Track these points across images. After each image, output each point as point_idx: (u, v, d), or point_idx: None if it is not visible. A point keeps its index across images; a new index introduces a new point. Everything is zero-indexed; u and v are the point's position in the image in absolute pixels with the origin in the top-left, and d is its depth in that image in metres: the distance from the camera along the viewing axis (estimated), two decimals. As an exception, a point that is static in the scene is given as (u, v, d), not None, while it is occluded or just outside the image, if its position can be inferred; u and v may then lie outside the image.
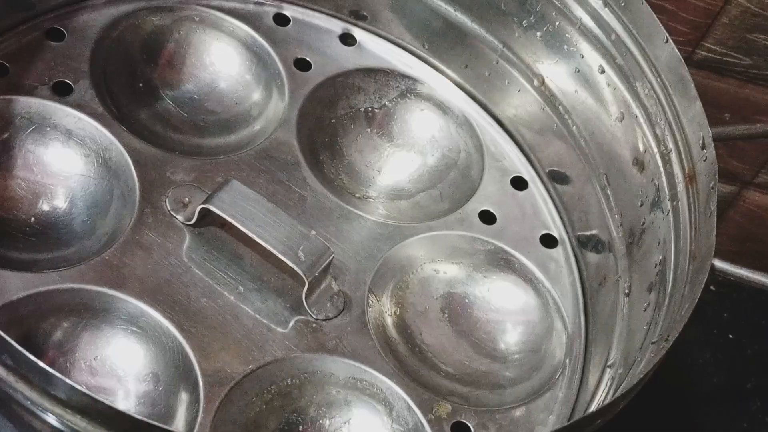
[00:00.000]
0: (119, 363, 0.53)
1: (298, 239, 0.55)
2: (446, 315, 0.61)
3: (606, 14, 0.63)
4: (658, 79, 0.61)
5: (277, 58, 0.67)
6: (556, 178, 0.68)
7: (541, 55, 0.67)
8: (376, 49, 0.72)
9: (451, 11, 0.70)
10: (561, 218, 0.67)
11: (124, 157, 0.59)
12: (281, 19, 0.70)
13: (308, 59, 0.69)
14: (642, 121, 0.62)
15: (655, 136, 0.61)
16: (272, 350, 0.54)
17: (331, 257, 0.56)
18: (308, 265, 0.55)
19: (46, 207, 0.57)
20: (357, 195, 0.64)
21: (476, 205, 0.65)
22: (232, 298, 0.56)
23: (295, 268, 0.54)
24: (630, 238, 0.63)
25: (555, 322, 0.62)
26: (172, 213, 0.58)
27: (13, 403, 0.43)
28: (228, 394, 0.52)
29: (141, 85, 0.64)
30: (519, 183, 0.69)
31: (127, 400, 0.52)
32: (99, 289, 0.53)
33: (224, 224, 0.57)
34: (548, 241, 0.66)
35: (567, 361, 0.61)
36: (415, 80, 0.71)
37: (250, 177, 0.61)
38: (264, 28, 0.69)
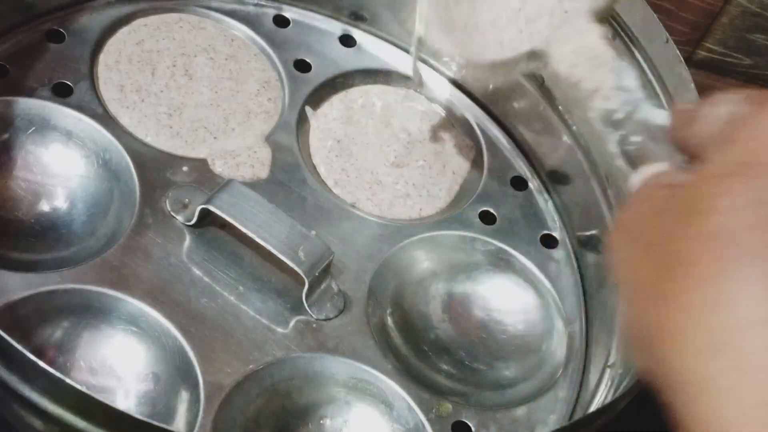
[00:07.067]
0: (119, 363, 0.53)
1: (298, 239, 0.55)
2: (446, 315, 0.61)
3: (606, 14, 0.63)
4: (659, 79, 0.61)
5: (277, 60, 0.68)
6: (556, 178, 0.69)
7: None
8: (375, 50, 0.72)
9: (450, 12, 0.70)
10: (561, 218, 0.67)
11: (125, 158, 0.59)
12: (281, 21, 0.70)
13: (308, 60, 0.69)
14: (642, 120, 0.62)
15: (655, 136, 0.61)
16: (272, 350, 0.54)
17: (331, 257, 0.56)
18: (308, 265, 0.55)
19: (46, 208, 0.58)
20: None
21: (476, 205, 0.65)
22: (232, 298, 0.56)
23: (296, 268, 0.54)
24: (630, 238, 0.63)
25: (555, 322, 0.62)
26: (172, 213, 0.58)
27: (13, 403, 0.43)
28: (228, 394, 0.52)
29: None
30: (519, 183, 0.69)
31: (127, 400, 0.52)
32: (99, 289, 0.53)
33: (224, 225, 0.57)
34: (548, 241, 0.66)
35: (567, 360, 0.61)
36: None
37: (250, 177, 0.61)
38: (264, 29, 0.69)
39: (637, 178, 0.39)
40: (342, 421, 0.55)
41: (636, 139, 0.41)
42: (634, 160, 0.41)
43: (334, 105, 0.68)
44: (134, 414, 0.41)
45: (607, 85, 0.45)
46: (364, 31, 0.72)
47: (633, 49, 0.62)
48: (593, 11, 0.49)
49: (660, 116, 0.42)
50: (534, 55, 0.51)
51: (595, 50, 0.47)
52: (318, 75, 0.68)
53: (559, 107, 0.68)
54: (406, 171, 0.66)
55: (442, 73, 0.72)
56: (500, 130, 0.71)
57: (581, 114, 0.66)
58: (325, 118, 0.67)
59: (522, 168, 0.69)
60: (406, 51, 0.72)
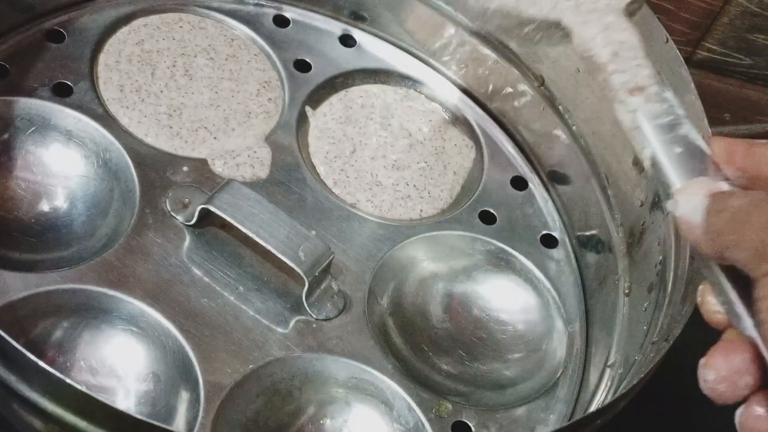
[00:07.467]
0: (119, 363, 0.53)
1: (298, 239, 0.55)
2: (446, 315, 0.61)
3: (605, 14, 0.63)
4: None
5: (277, 60, 0.68)
6: (556, 178, 0.69)
7: (541, 55, 0.67)
8: (375, 50, 0.72)
9: (451, 11, 0.70)
10: (561, 218, 0.67)
11: (124, 158, 0.59)
12: (281, 21, 0.71)
13: (308, 60, 0.69)
14: (642, 120, 0.62)
15: (655, 136, 0.61)
16: (272, 350, 0.54)
17: (331, 257, 0.56)
18: (308, 265, 0.55)
19: (46, 208, 0.58)
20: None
21: (476, 205, 0.65)
22: (232, 298, 0.56)
23: (296, 269, 0.54)
24: (630, 238, 0.63)
25: (555, 322, 0.62)
26: (172, 213, 0.58)
27: (13, 403, 0.43)
28: (228, 394, 0.52)
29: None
30: (519, 183, 0.69)
31: (127, 400, 0.52)
32: (99, 289, 0.53)
33: (224, 224, 0.57)
34: (548, 241, 0.66)
35: (567, 360, 0.61)
36: (414, 81, 0.71)
37: (250, 177, 0.61)
38: (264, 29, 0.69)
39: (695, 188, 0.40)
40: (342, 421, 0.55)
41: (678, 150, 0.42)
42: (662, 167, 0.42)
43: (334, 105, 0.68)
44: (134, 414, 0.41)
45: (652, 88, 0.45)
46: (364, 31, 0.72)
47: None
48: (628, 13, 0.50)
49: (700, 139, 0.43)
50: (558, 28, 0.51)
51: (639, 51, 0.47)
52: (318, 75, 0.68)
53: (559, 107, 0.68)
54: (407, 173, 0.66)
55: (442, 73, 0.72)
56: (500, 130, 0.71)
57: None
58: (324, 118, 0.67)
59: (522, 168, 0.69)
60: (406, 51, 0.72)
